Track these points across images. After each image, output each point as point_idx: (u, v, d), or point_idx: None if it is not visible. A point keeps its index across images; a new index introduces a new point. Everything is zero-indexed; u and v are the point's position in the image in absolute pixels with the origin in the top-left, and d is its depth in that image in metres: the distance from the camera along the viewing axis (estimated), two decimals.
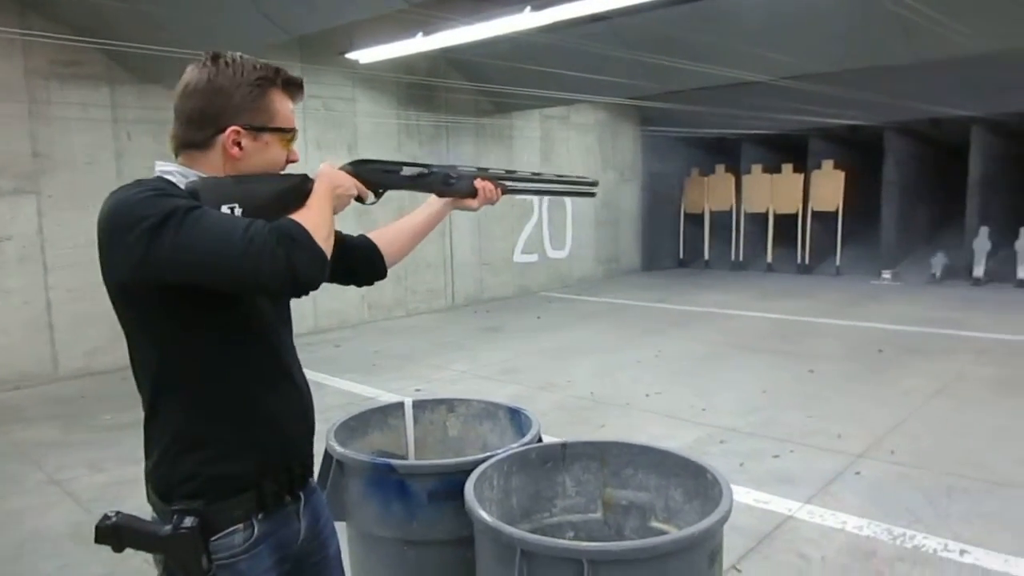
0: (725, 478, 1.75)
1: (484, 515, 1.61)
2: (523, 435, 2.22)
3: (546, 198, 10.69)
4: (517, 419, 2.31)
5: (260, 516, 1.33)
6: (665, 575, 1.50)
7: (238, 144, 1.30)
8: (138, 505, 1.38)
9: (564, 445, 2.03)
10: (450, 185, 1.66)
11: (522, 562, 1.49)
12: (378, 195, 1.54)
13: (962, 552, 3.00)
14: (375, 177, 1.53)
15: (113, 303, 1.27)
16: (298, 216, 1.23)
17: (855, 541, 3.13)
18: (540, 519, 2.03)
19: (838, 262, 11.46)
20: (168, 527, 1.25)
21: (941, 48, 6.28)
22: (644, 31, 7.01)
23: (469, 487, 1.74)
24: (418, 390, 5.54)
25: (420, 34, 6.35)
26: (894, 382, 5.52)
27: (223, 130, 1.29)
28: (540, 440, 2.11)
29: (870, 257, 11.24)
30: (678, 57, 7.03)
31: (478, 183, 1.67)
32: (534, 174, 1.78)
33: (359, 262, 1.64)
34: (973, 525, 3.24)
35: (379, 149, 8.43)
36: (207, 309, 1.25)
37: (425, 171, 1.62)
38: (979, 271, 10.16)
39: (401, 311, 8.86)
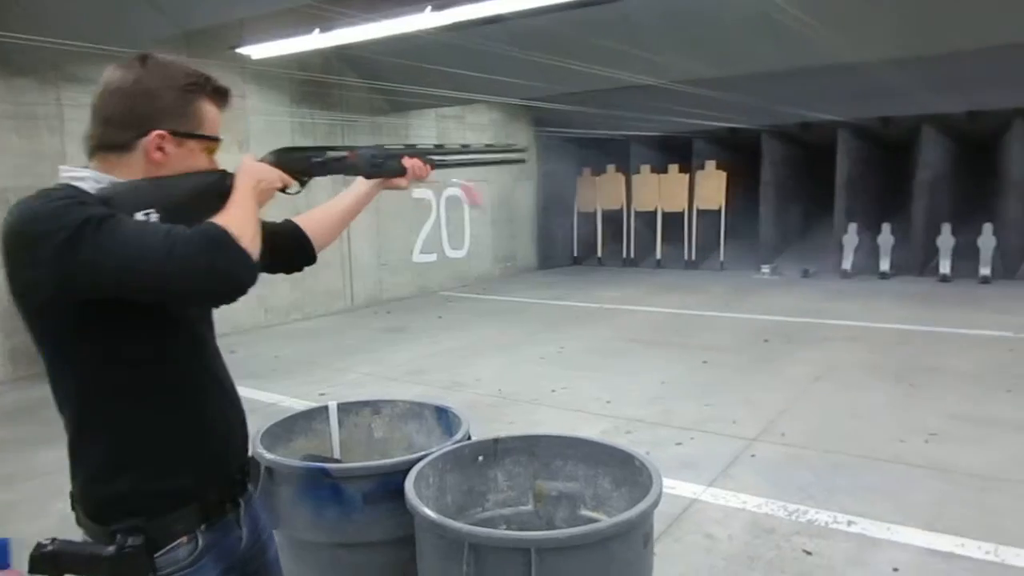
0: (653, 464, 1.84)
1: (429, 512, 1.63)
2: (450, 434, 2.26)
3: (444, 197, 10.70)
4: (444, 418, 2.35)
5: (203, 528, 1.30)
6: (606, 558, 1.58)
7: (161, 149, 1.25)
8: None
9: (496, 440, 2.08)
10: (377, 166, 1.64)
11: (470, 555, 1.53)
12: (303, 183, 1.52)
13: (849, 523, 3.26)
14: (299, 165, 1.51)
15: (27, 322, 1.20)
16: (220, 218, 1.19)
17: (756, 519, 3.35)
18: (474, 514, 2.07)
19: (722, 257, 12.06)
20: (112, 548, 1.20)
21: (813, 56, 6.74)
22: (539, 33, 7.14)
23: (409, 486, 1.77)
24: (322, 394, 5.45)
25: (317, 30, 6.23)
26: (780, 370, 5.89)
27: (147, 133, 1.24)
28: (470, 437, 2.15)
29: (750, 252, 11.88)
30: (572, 60, 7.22)
31: (406, 161, 1.65)
32: (463, 146, 1.78)
33: (286, 248, 1.61)
34: (856, 498, 3.53)
35: (272, 146, 8.11)
36: (134, 322, 1.20)
37: (349, 154, 1.61)
38: (847, 264, 10.95)
39: (299, 314, 8.65)
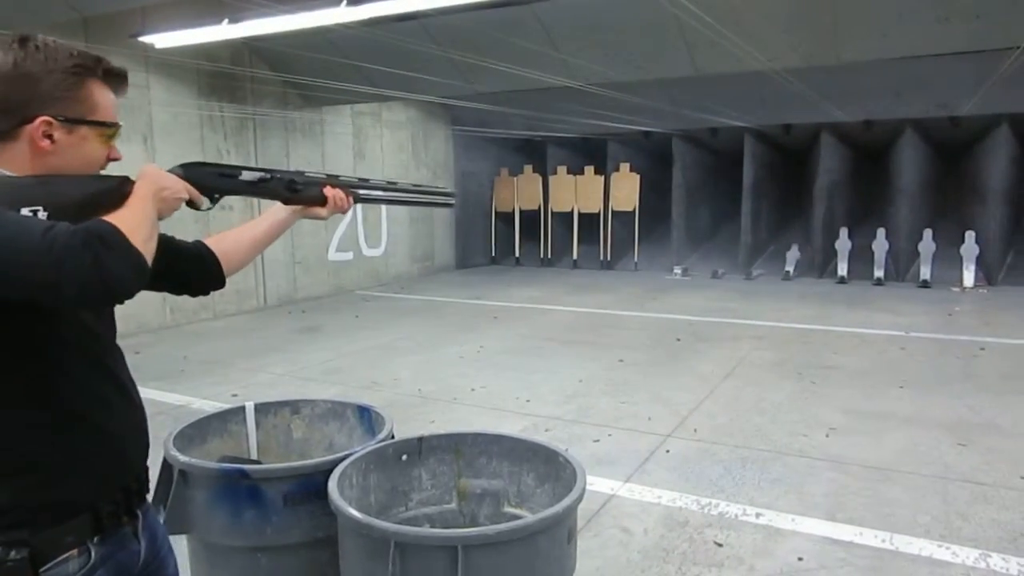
0: (577, 460, 1.87)
1: (354, 512, 1.61)
2: (372, 433, 2.24)
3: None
4: (366, 417, 2.31)
5: (96, 540, 1.22)
6: (532, 553, 1.59)
7: (49, 136, 1.17)
8: None
9: (421, 439, 2.07)
10: (296, 192, 1.58)
11: (396, 554, 1.51)
12: (214, 200, 1.46)
13: (757, 515, 3.40)
14: (209, 181, 1.43)
15: None
16: (112, 216, 1.11)
17: (670, 512, 3.44)
18: (397, 514, 2.05)
19: (636, 258, 12.34)
20: None
21: (721, 63, 6.98)
22: (456, 32, 7.14)
23: (333, 487, 1.73)
24: (235, 395, 5.29)
25: (226, 21, 6.02)
26: (692, 367, 6.08)
27: (31, 120, 1.16)
28: (393, 436, 2.13)
29: (663, 253, 12.21)
30: (489, 59, 7.24)
31: (328, 191, 1.61)
32: (389, 183, 1.74)
33: (193, 270, 1.54)
34: (763, 490, 3.68)
35: (179, 140, 7.89)
36: (18, 324, 1.12)
37: (267, 176, 1.53)
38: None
39: (208, 313, 8.35)
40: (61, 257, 1.00)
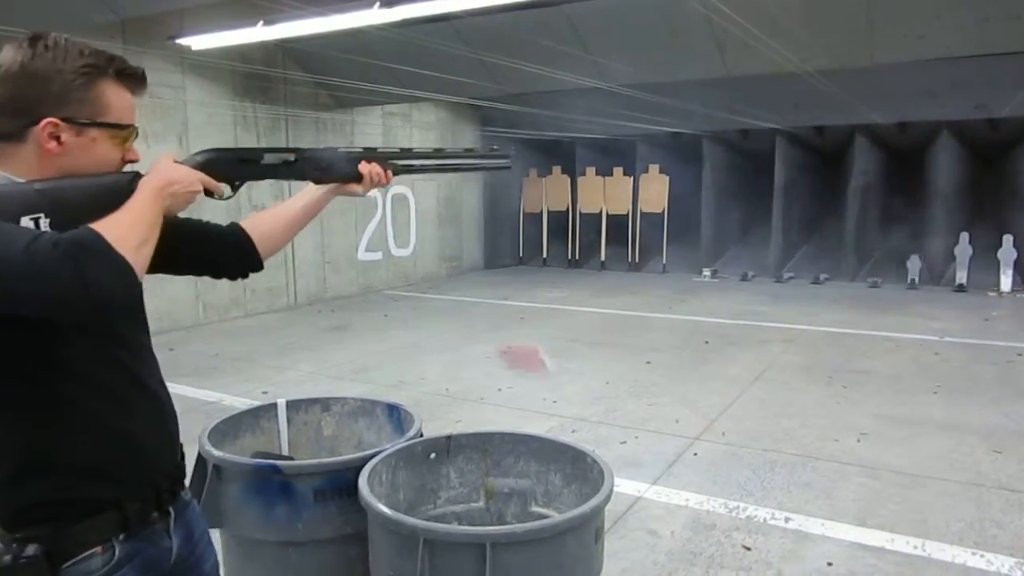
0: (604, 460, 1.88)
1: (384, 509, 1.63)
2: (401, 431, 2.26)
3: (390, 195, 10.62)
4: (395, 415, 2.34)
5: (122, 537, 1.23)
6: (559, 552, 1.60)
7: (56, 138, 1.14)
8: None
9: (449, 437, 2.09)
10: (325, 171, 1.51)
11: (425, 551, 1.53)
12: (235, 188, 1.40)
13: (787, 519, 3.37)
14: (228, 169, 1.37)
15: None
16: (100, 223, 1.06)
17: (697, 516, 3.43)
18: (425, 511, 2.07)
19: (664, 260, 12.25)
20: (8, 557, 1.13)
21: (753, 64, 6.92)
22: (487, 33, 7.16)
23: (363, 483, 1.76)
24: (265, 392, 5.36)
25: (261, 23, 6.11)
26: (720, 370, 6.03)
27: (38, 122, 1.13)
28: (422, 435, 2.15)
29: (692, 256, 12.10)
30: (520, 60, 7.25)
31: (363, 167, 1.52)
32: (435, 150, 1.66)
33: (228, 253, 1.52)
34: (792, 495, 3.65)
35: (214, 140, 8.00)
36: (31, 329, 1.09)
37: (291, 158, 1.46)
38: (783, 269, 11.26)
39: (239, 311, 8.47)
40: (42, 270, 0.98)
